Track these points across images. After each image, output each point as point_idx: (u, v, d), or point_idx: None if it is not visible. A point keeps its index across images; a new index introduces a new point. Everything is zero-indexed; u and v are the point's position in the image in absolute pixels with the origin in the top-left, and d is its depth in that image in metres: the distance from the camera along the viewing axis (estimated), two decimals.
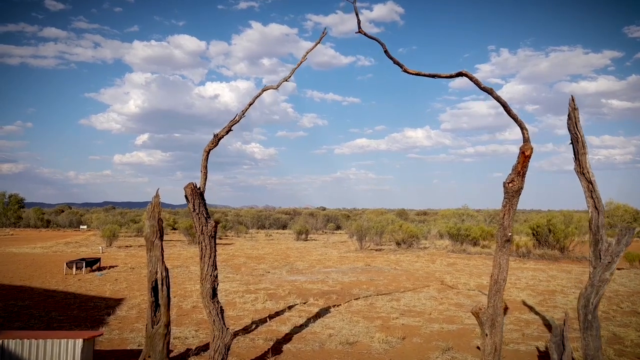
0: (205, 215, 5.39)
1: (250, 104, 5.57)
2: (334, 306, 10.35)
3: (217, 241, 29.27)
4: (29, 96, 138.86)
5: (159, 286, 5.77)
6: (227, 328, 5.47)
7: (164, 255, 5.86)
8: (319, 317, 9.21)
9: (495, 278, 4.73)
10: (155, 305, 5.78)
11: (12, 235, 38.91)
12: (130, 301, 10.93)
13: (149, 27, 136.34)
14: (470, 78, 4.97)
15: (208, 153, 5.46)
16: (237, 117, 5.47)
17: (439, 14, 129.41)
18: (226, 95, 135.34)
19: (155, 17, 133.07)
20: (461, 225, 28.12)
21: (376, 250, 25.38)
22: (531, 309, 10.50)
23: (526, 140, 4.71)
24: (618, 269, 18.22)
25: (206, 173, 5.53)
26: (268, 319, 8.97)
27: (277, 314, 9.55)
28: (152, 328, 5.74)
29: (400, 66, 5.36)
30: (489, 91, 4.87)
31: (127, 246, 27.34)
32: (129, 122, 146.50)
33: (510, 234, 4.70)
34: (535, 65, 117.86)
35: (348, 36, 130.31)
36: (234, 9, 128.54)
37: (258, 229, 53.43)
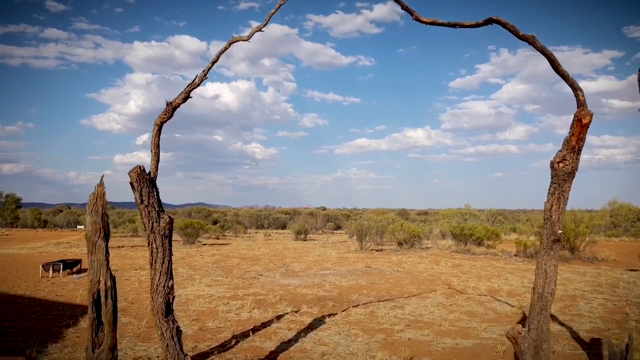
0: (156, 209, 4.16)
1: (214, 62, 4.34)
2: (329, 315, 9.09)
3: (214, 241, 27.82)
4: (30, 97, 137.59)
5: (102, 299, 4.53)
6: (185, 354, 4.24)
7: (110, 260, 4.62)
8: (312, 330, 7.95)
9: (539, 291, 3.49)
10: (97, 324, 4.54)
11: (7, 235, 37.72)
12: None
13: (150, 28, 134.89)
14: (504, 25, 3.73)
15: (160, 126, 4.23)
16: (197, 80, 4.23)
17: (440, 14, 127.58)
18: (227, 95, 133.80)
19: (155, 17, 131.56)
20: (465, 225, 26.91)
21: (377, 250, 24.14)
22: (553, 318, 9.25)
23: (581, 104, 3.47)
24: (633, 269, 16.96)
25: (158, 153, 4.28)
26: (251, 333, 7.69)
27: (264, 325, 8.29)
28: (93, 352, 4.50)
29: (411, 13, 4.12)
30: (530, 40, 3.65)
31: (119, 247, 26.22)
32: (130, 122, 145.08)
33: (560, 231, 3.47)
34: (535, 65, 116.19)
35: (349, 36, 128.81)
36: (235, 9, 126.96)
37: (257, 228, 52.22)
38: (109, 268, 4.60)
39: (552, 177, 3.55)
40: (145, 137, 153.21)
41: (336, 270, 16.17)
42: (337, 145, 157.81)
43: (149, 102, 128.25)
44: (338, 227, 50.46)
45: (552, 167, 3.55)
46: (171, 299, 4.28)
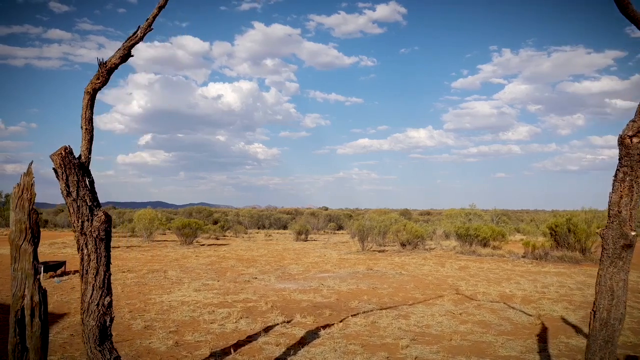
0: (88, 203, 3.17)
1: (160, 7, 3.36)
2: (325, 327, 8.08)
3: (213, 241, 26.56)
4: (33, 97, 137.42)
5: (27, 319, 3.55)
6: None
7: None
8: (303, 345, 6.94)
9: (603, 316, 2.49)
10: (21, 350, 3.55)
11: (5, 235, 36.95)
12: (71, 318, 8.74)
13: (153, 28, 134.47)
14: None
15: (92, 95, 3.24)
16: (139, 32, 3.22)
17: (442, 14, 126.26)
18: (229, 95, 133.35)
19: (158, 18, 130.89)
20: (470, 225, 25.89)
21: (379, 251, 23.13)
22: (577, 329, 8.24)
23: None
24: None
25: (91, 130, 3.30)
26: (232, 350, 6.69)
27: (249, 339, 7.29)
28: None
29: None
30: None
31: (114, 247, 25.28)
32: (132, 122, 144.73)
33: (634, 233, 2.47)
34: (537, 65, 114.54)
35: (351, 37, 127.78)
36: (237, 10, 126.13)
37: (258, 228, 51.31)
38: (38, 279, 3.63)
39: (620, 159, 2.55)
40: (148, 137, 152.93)
41: (336, 273, 15.18)
42: (339, 145, 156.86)
43: (151, 102, 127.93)
44: (340, 227, 49.53)
45: (621, 143, 2.55)
46: (108, 320, 3.29)
